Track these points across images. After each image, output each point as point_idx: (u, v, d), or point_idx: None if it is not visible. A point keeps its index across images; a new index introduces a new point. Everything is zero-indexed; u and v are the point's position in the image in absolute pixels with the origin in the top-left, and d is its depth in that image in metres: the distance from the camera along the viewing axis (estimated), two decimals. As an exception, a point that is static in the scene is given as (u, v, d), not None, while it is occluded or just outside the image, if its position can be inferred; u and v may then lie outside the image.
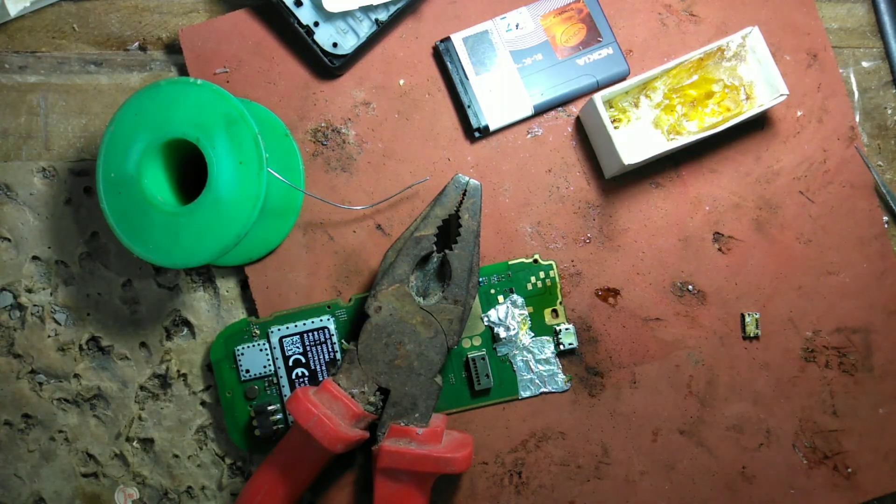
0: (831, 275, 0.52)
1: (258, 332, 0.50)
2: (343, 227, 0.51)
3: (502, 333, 0.50)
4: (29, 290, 0.52)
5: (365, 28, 0.50)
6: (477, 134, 0.51)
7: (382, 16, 0.50)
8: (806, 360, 0.51)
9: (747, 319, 0.51)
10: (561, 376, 0.51)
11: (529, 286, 0.51)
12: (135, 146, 0.43)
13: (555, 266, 0.51)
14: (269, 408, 0.49)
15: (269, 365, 0.50)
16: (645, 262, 0.52)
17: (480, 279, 0.51)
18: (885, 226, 0.52)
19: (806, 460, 0.51)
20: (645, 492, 0.51)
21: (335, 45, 0.50)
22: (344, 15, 0.50)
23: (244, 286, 0.52)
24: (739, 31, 0.49)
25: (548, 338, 0.51)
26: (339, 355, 0.50)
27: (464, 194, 0.47)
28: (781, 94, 0.48)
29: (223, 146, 0.43)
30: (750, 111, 0.48)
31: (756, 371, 0.51)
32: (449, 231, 0.49)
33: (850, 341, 0.51)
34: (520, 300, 0.51)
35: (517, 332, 0.50)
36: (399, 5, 0.51)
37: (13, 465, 0.52)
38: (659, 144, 0.50)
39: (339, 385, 0.46)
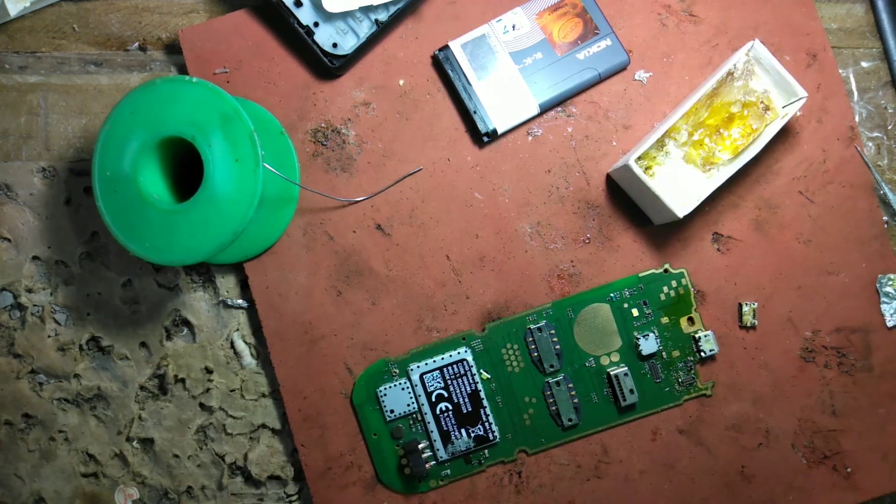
0: (831, 275, 0.52)
1: (397, 370, 0.50)
2: (343, 227, 0.51)
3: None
4: (29, 290, 0.52)
5: (365, 28, 0.50)
6: (486, 139, 0.51)
7: (382, 16, 0.51)
8: (805, 360, 0.51)
9: (744, 308, 0.51)
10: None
11: (662, 296, 0.51)
12: (130, 144, 0.43)
13: (685, 273, 0.51)
14: (420, 446, 0.49)
15: (413, 402, 0.50)
16: (644, 262, 0.52)
17: (613, 294, 0.50)
18: (885, 226, 0.52)
19: (805, 460, 0.51)
20: (645, 491, 0.51)
21: (335, 45, 0.50)
22: (344, 15, 0.50)
23: (244, 286, 0.52)
24: (741, 49, 0.48)
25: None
26: (480, 386, 0.50)
27: None
28: (800, 98, 0.48)
29: (219, 144, 0.43)
30: (776, 121, 0.48)
31: (755, 371, 0.51)
32: None
33: (849, 341, 0.51)
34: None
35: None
36: (399, 5, 0.51)
37: (13, 465, 0.52)
38: (704, 184, 0.49)
39: None
